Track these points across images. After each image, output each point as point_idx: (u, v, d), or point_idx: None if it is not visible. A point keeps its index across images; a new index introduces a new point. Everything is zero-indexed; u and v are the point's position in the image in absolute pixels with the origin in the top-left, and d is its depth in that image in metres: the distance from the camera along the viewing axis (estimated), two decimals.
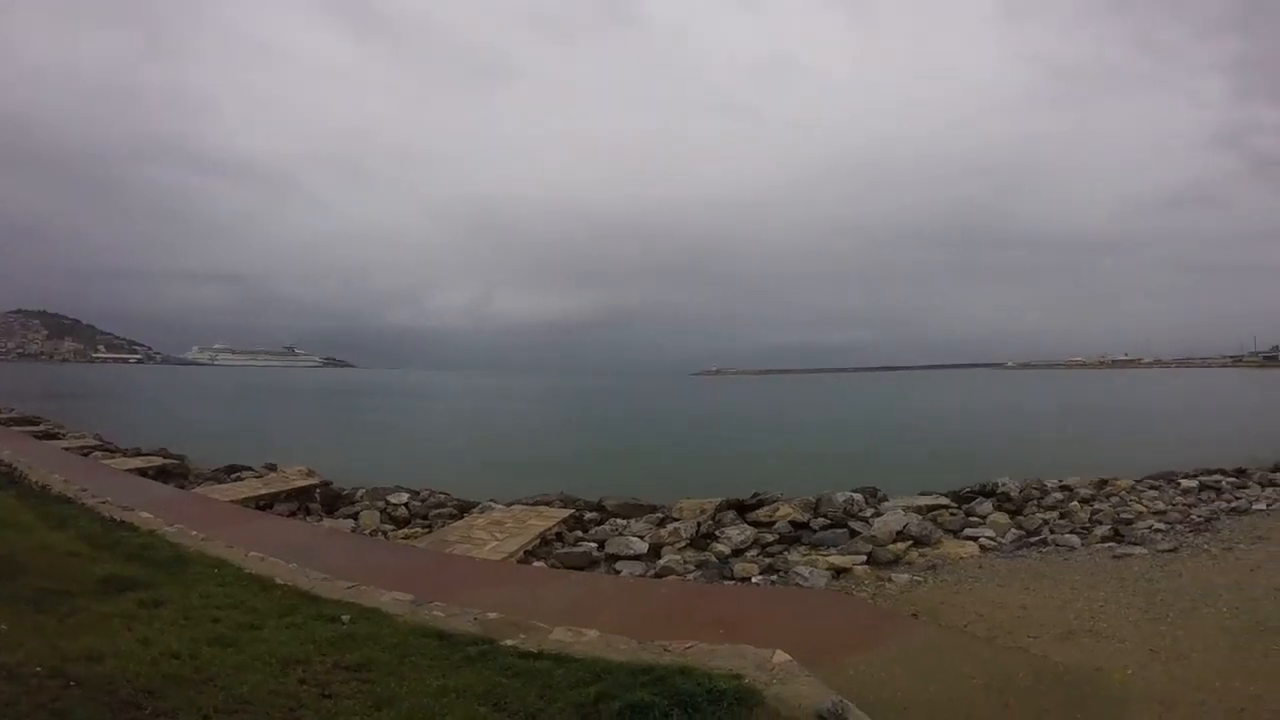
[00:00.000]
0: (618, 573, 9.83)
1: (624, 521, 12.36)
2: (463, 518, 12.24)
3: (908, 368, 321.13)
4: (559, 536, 11.33)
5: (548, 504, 13.18)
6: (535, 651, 4.57)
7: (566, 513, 12.38)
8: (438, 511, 13.18)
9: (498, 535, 10.35)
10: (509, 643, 4.74)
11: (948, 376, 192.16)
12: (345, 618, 5.04)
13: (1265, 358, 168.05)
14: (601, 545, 10.98)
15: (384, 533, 12.19)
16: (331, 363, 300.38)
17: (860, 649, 5.92)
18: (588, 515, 12.77)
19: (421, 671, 4.11)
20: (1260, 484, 16.11)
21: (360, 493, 14.20)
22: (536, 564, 9.79)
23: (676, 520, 11.84)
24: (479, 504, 13.35)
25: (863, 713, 4.01)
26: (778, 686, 4.21)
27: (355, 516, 12.83)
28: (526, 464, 24.31)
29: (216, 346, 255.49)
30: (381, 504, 13.53)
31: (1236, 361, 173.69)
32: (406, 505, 13.63)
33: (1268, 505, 13.32)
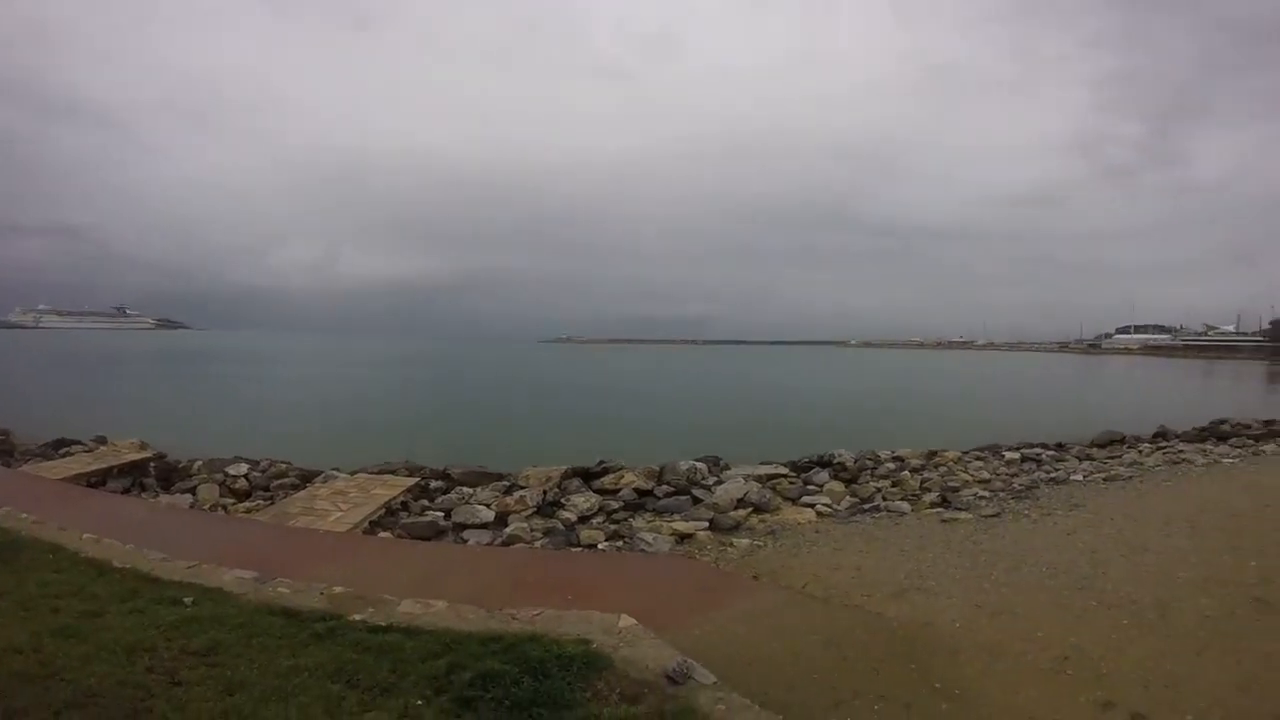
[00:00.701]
0: (465, 542, 11.28)
1: (470, 490, 14.19)
2: (305, 488, 13.69)
3: (755, 342, 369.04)
4: (405, 506, 12.87)
5: (392, 472, 14.94)
6: (384, 625, 5.23)
7: (412, 481, 14.01)
8: (279, 483, 14.59)
9: (341, 506, 11.68)
10: (357, 617, 5.40)
11: (793, 352, 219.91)
12: (188, 600, 5.63)
13: (1089, 345, 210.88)
14: (448, 514, 12.53)
15: (224, 507, 13.49)
16: (165, 324, 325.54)
17: (704, 611, 6.98)
18: (433, 484, 14.56)
19: (270, 652, 4.65)
20: (1078, 457, 20.50)
21: (197, 465, 15.61)
22: (382, 535, 11.08)
23: (523, 488, 13.64)
24: (322, 473, 14.95)
25: (707, 671, 4.79)
26: (625, 649, 4.99)
27: (193, 491, 14.11)
28: (371, 431, 27.49)
29: (40, 307, 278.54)
30: (220, 476, 14.94)
31: (1063, 348, 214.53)
32: (246, 477, 15.05)
33: (1084, 476, 16.97)
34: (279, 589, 6.14)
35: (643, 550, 10.62)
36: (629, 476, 14.34)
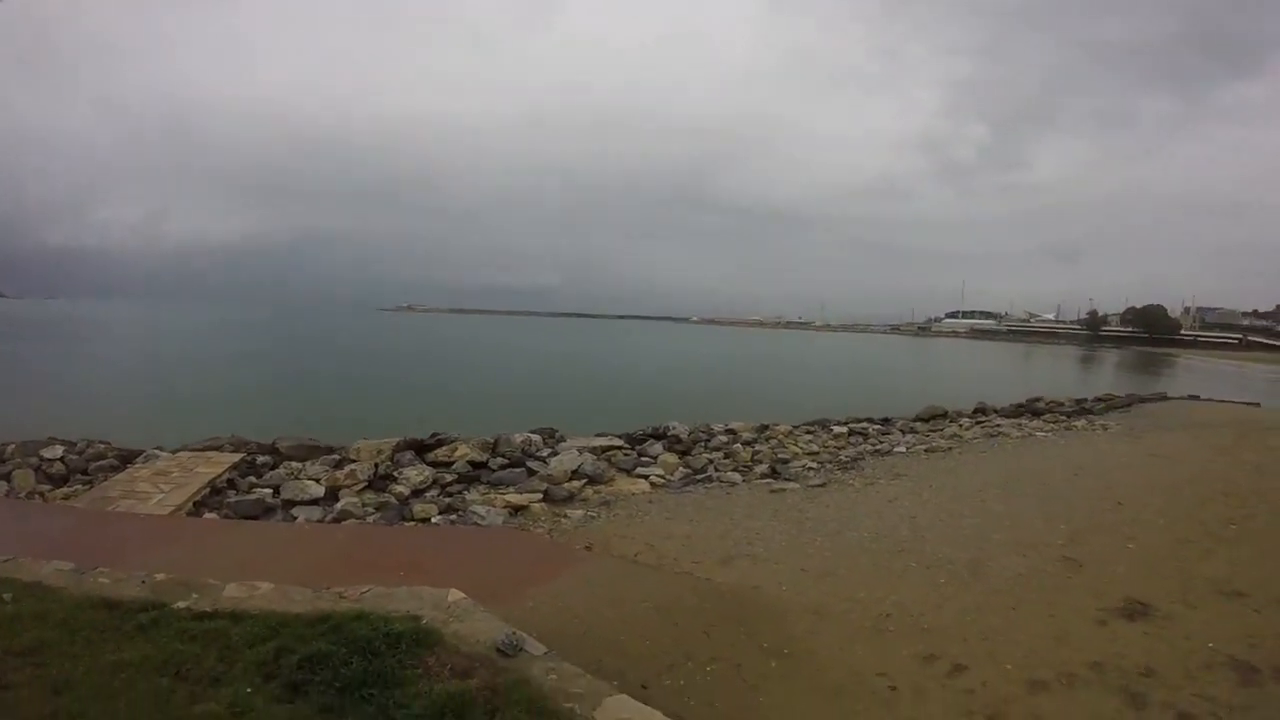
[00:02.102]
0: (295, 519, 11.35)
1: (299, 464, 14.14)
2: (125, 470, 13.53)
3: (599, 315, 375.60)
4: (231, 484, 12.85)
5: (217, 449, 14.82)
6: (210, 611, 5.26)
7: (238, 457, 14.03)
8: (98, 464, 14.28)
9: (164, 487, 11.72)
10: (181, 605, 5.41)
11: (636, 326, 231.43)
12: (7, 596, 5.55)
13: (920, 328, 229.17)
14: (277, 491, 12.50)
15: (40, 494, 13.19)
16: None
17: (538, 582, 7.19)
18: (260, 459, 14.42)
19: (95, 647, 4.66)
20: (902, 430, 22.27)
21: (10, 448, 14.96)
22: (208, 515, 11.12)
23: (354, 462, 13.81)
24: (143, 453, 14.65)
25: (539, 642, 4.95)
26: (455, 624, 5.12)
27: (8, 477, 13.64)
28: (195, 406, 27.54)
29: None
30: (35, 460, 14.43)
31: (895, 329, 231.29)
32: (63, 460, 14.60)
33: (907, 448, 18.51)
34: (99, 579, 6.06)
35: (476, 523, 10.88)
36: (463, 449, 14.55)
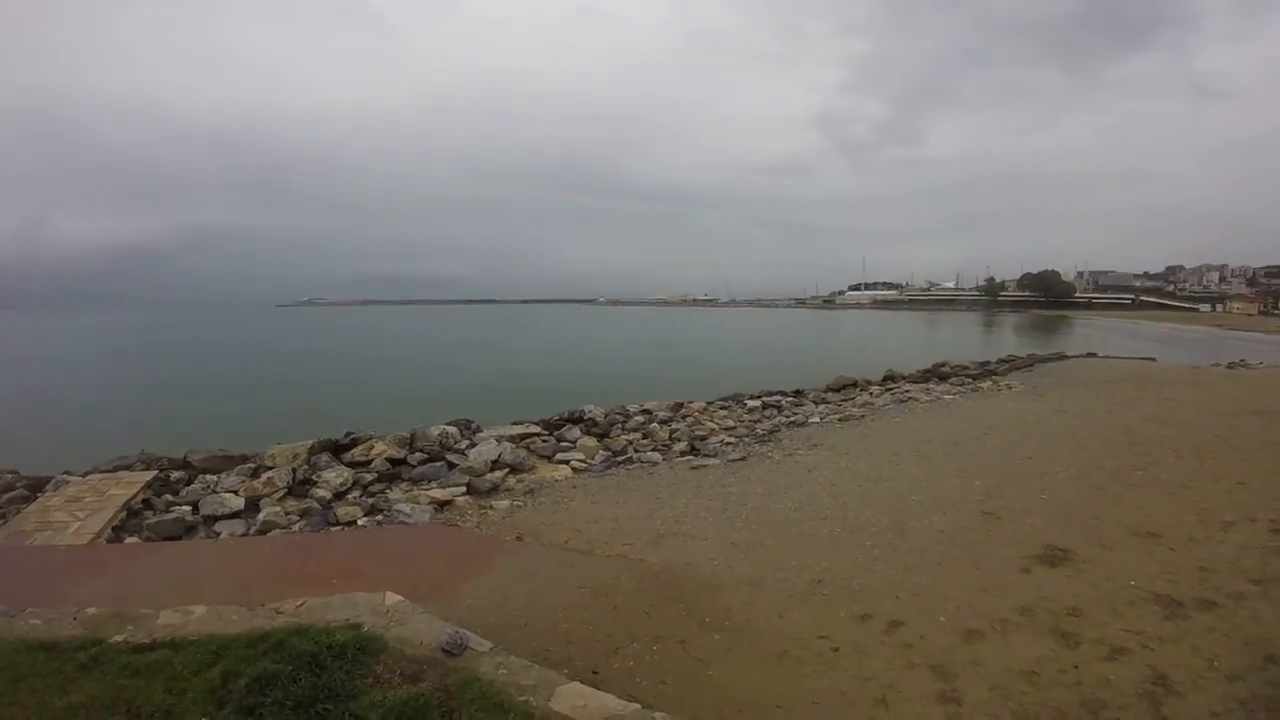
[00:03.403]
0: (218, 535, 11.27)
1: (215, 477, 13.92)
2: (37, 499, 13.02)
3: (506, 301, 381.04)
4: (147, 504, 12.49)
5: (128, 468, 14.42)
6: (148, 643, 5.17)
7: (150, 475, 13.63)
8: (8, 496, 13.64)
9: (78, 514, 11.35)
10: (118, 638, 5.30)
11: (544, 310, 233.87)
12: None
13: (824, 301, 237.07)
14: (195, 507, 12.24)
15: None
16: None
17: (472, 577, 7.23)
18: (174, 475, 14.11)
19: (40, 693, 4.56)
20: (815, 401, 23.08)
21: None
22: (129, 540, 10.87)
23: (270, 469, 13.63)
24: (52, 479, 14.03)
25: (482, 638, 5.02)
26: (397, 628, 5.14)
27: None
28: (95, 422, 26.52)
29: None
30: None
31: (800, 303, 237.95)
32: None
33: (821, 418, 19.15)
34: (31, 621, 5.87)
35: (403, 522, 10.95)
36: (380, 446, 14.52)
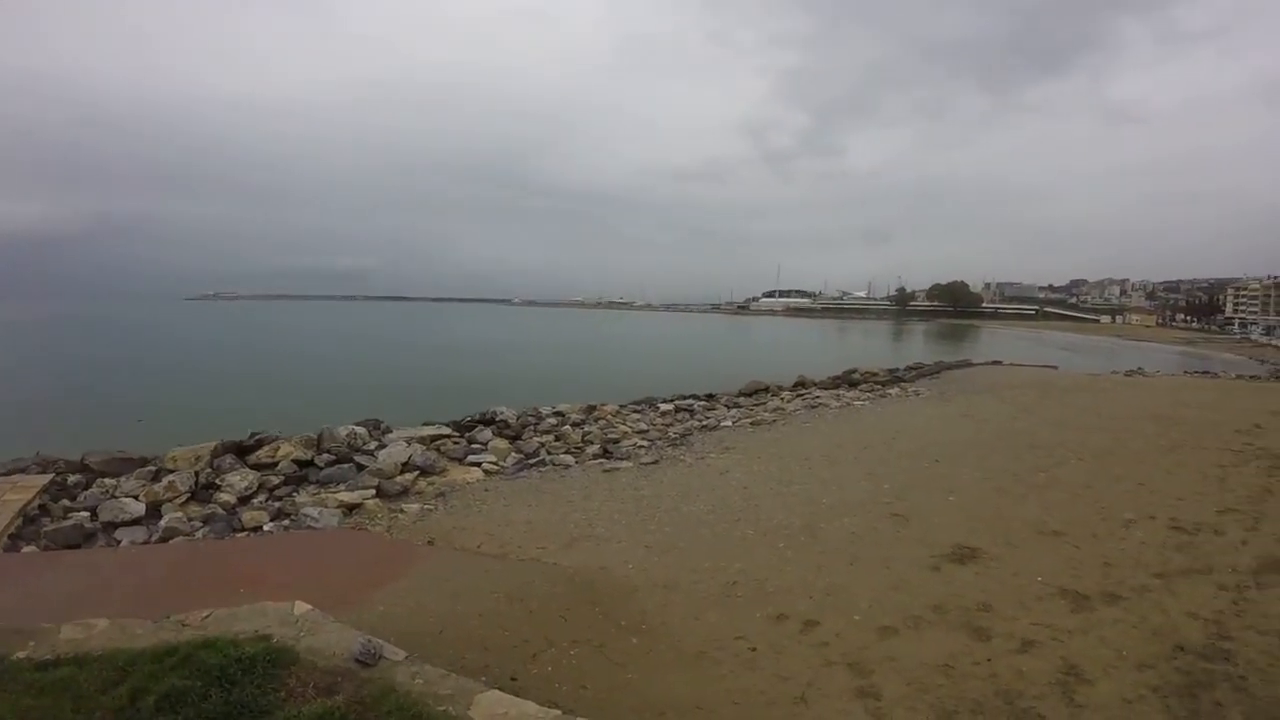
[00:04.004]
0: (119, 543, 10.98)
1: (114, 481, 13.46)
2: None
3: (419, 299, 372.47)
4: (44, 510, 12.06)
5: (22, 470, 13.90)
6: (52, 659, 5.02)
7: (46, 479, 13.16)
8: None
9: None
10: (20, 655, 5.16)
11: (457, 309, 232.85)
12: None
13: (739, 307, 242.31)
14: (94, 514, 11.85)
15: None
16: None
17: (384, 583, 7.11)
18: (72, 479, 13.58)
19: None
20: (727, 406, 23.33)
21: None
22: (26, 549, 10.56)
23: (172, 472, 13.20)
24: None
25: (397, 647, 4.92)
26: (308, 639, 5.00)
27: None
28: None
29: None
30: None
31: (715, 308, 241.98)
32: None
33: (733, 423, 19.42)
34: None
35: (311, 527, 10.76)
36: (286, 447, 14.18)
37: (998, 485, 11.02)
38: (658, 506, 10.66)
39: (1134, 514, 9.31)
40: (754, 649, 5.96)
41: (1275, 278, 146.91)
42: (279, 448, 14.15)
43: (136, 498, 12.25)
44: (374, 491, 12.35)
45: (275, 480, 13.22)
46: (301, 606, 5.50)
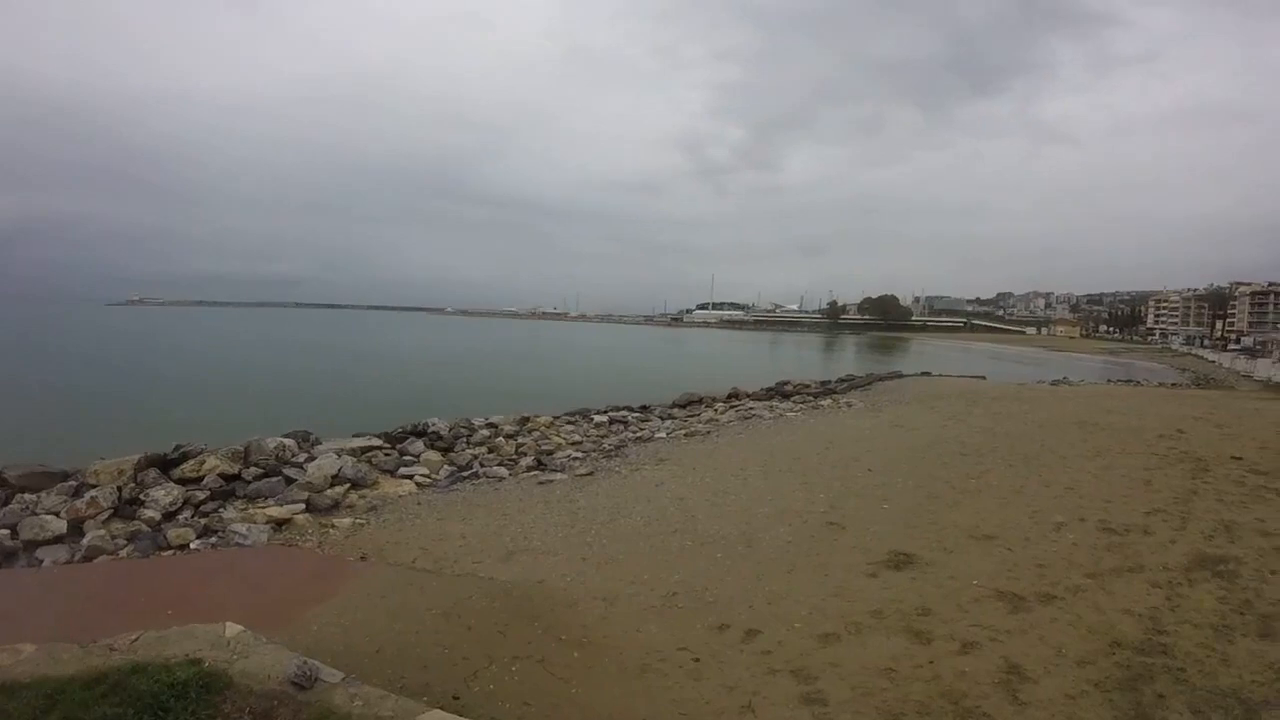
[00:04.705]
0: (40, 563, 10.83)
1: (33, 496, 13.15)
2: None
3: (351, 306, 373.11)
4: None
5: None
6: None
7: None
8: None
9: None
10: None
11: (390, 318, 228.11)
12: None
13: (673, 319, 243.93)
14: (14, 531, 11.65)
15: None
16: None
17: (317, 601, 6.96)
18: None
19: None
20: (661, 417, 23.66)
21: None
22: None
23: (93, 487, 12.94)
24: None
25: (333, 668, 4.83)
26: (241, 661, 4.87)
27: None
28: None
29: None
30: None
31: (648, 320, 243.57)
32: None
33: (668, 434, 19.60)
34: None
35: (239, 544, 10.56)
36: (212, 461, 13.88)
37: (931, 492, 11.27)
38: (594, 518, 10.68)
39: (1065, 517, 9.61)
40: (697, 659, 5.99)
41: (1194, 290, 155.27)
42: (205, 461, 13.89)
43: (58, 514, 11.96)
44: (304, 506, 12.17)
45: (201, 495, 12.97)
46: (233, 628, 5.37)
